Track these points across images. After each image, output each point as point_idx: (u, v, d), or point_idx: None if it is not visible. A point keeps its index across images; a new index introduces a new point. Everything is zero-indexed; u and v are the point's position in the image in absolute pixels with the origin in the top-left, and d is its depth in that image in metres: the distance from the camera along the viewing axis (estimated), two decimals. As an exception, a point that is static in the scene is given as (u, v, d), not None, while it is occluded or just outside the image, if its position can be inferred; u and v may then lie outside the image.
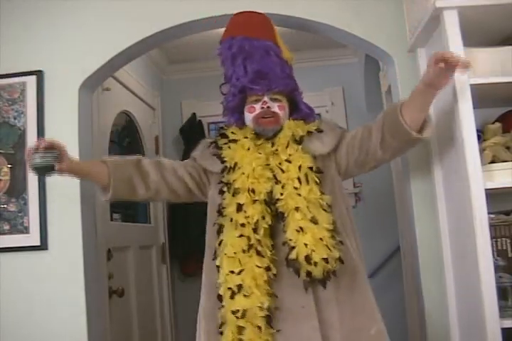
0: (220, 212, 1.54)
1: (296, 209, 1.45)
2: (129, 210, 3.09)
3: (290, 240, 1.44)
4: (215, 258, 1.52)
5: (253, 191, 1.48)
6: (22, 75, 2.09)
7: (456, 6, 1.58)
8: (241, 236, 1.45)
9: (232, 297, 1.43)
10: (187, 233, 3.37)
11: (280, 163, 1.51)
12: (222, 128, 1.67)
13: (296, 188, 1.46)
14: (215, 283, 1.50)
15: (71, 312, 1.97)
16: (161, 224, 3.34)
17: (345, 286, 1.52)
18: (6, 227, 2.02)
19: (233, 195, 1.49)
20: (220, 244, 1.50)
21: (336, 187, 1.60)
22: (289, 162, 1.50)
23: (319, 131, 1.60)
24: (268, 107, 1.56)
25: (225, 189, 1.53)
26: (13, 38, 2.13)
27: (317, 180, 1.50)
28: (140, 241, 2.96)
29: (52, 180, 2.04)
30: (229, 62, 1.60)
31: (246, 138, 1.57)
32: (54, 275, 2.00)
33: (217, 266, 1.49)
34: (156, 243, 3.23)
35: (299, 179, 1.48)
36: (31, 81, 2.08)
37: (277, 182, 1.49)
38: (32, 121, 2.06)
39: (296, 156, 1.51)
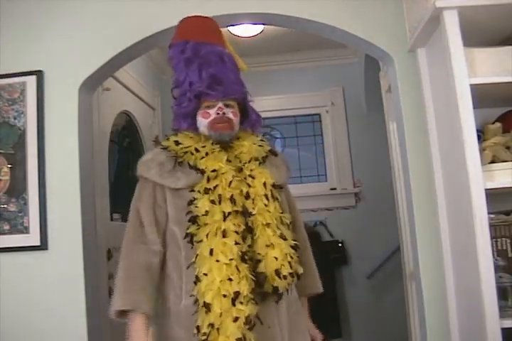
0: (194, 221, 1.47)
1: (267, 225, 1.47)
2: (129, 210, 3.08)
3: (258, 254, 1.46)
4: (188, 267, 1.47)
5: (232, 201, 1.47)
6: (22, 75, 2.09)
7: (456, 6, 1.58)
8: (236, 243, 1.43)
9: (233, 304, 1.39)
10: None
11: (245, 178, 1.52)
12: (176, 142, 1.57)
13: (265, 205, 1.49)
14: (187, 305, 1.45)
15: (71, 312, 1.97)
16: (161, 224, 3.33)
17: (295, 309, 1.58)
18: (6, 227, 2.02)
19: (213, 203, 1.46)
20: (211, 253, 1.42)
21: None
22: (253, 177, 1.52)
23: (274, 153, 1.63)
24: (223, 113, 1.55)
25: (198, 196, 1.48)
26: (13, 38, 2.13)
27: (278, 198, 1.53)
28: (140, 241, 2.96)
29: (52, 180, 2.04)
30: (182, 67, 1.57)
31: (213, 150, 1.54)
32: (54, 275, 2.00)
33: (205, 274, 1.42)
34: (156, 243, 3.23)
35: (266, 196, 1.50)
36: (31, 81, 2.08)
37: (247, 197, 1.50)
38: (32, 121, 2.06)
39: (258, 172, 1.53)
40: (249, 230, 1.47)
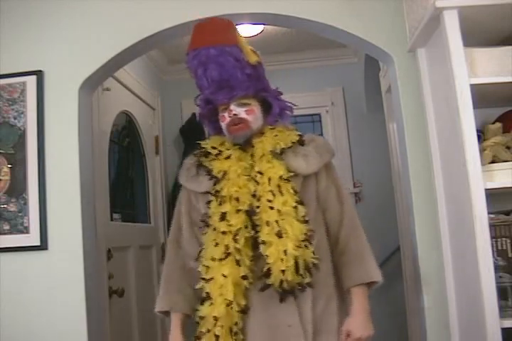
0: (205, 222, 1.54)
1: (267, 223, 1.45)
2: (129, 210, 3.09)
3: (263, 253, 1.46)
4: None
5: (237, 200, 1.48)
6: (22, 75, 2.09)
7: (456, 6, 1.57)
8: (217, 244, 1.46)
9: (202, 303, 1.47)
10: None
11: (255, 175, 1.51)
12: (200, 146, 1.64)
13: (269, 201, 1.46)
14: None
15: (71, 312, 1.97)
16: (161, 224, 3.34)
17: (322, 307, 1.56)
18: (6, 227, 2.01)
19: (220, 204, 1.49)
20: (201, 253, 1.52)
21: (313, 209, 1.58)
22: (261, 174, 1.50)
23: (301, 143, 1.58)
24: (234, 114, 1.55)
25: (211, 198, 1.52)
26: (13, 38, 2.13)
27: (291, 190, 1.48)
28: (140, 241, 2.96)
29: (52, 180, 2.05)
30: (193, 75, 1.59)
31: (228, 149, 1.57)
32: (54, 275, 2.00)
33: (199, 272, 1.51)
34: (156, 243, 3.23)
35: (272, 191, 1.47)
36: (31, 81, 2.08)
37: (254, 194, 1.49)
38: (32, 121, 2.06)
39: (267, 167, 1.50)
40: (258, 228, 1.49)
